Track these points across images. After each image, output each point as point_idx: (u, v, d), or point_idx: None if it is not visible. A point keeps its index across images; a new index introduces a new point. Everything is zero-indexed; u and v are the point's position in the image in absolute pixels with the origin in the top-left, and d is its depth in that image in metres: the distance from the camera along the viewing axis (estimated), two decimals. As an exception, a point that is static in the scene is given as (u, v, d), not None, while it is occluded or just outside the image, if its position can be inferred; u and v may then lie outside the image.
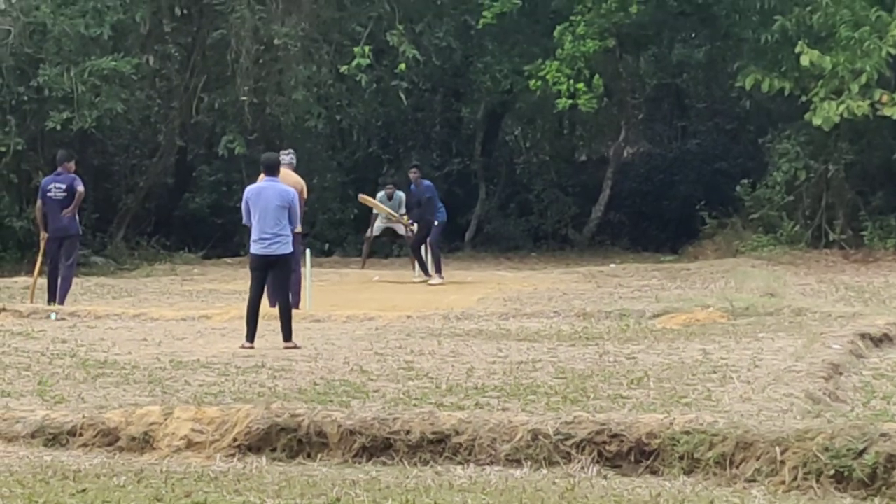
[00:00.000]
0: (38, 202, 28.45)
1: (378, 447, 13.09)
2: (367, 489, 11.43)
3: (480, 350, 20.13)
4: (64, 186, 27.47)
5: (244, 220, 21.47)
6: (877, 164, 43.14)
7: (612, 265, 39.94)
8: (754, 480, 11.83)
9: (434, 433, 13.05)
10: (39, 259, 28.76)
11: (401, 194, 37.85)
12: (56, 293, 27.57)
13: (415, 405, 14.52)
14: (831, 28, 39.37)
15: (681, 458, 12.21)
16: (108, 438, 13.69)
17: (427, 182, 37.23)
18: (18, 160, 42.49)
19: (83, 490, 11.09)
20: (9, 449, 13.53)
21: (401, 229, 38.92)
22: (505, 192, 50.11)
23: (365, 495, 11.07)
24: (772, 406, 14.40)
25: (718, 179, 48.31)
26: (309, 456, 13.04)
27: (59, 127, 41.37)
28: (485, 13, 41.72)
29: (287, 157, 24.97)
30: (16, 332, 23.86)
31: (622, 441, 12.53)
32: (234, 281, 34.14)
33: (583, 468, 12.18)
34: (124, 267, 40.98)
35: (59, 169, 28.33)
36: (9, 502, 10.63)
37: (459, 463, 12.58)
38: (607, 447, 12.47)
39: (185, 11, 44.11)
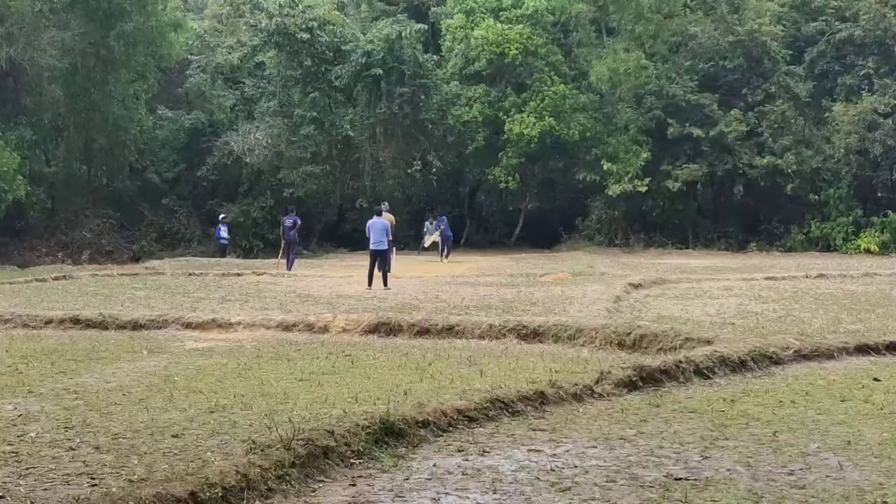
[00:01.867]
0: (282, 228, 32.24)
1: (423, 331, 15.23)
2: (417, 348, 14.31)
3: (467, 290, 21.73)
4: (291, 222, 31.39)
5: (367, 235, 24.41)
6: (628, 212, 42.02)
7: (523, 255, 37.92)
8: (583, 345, 14.11)
9: (446, 325, 15.42)
10: (280, 252, 31.51)
11: (436, 222, 37.42)
12: (288, 264, 30.85)
13: (440, 313, 16.57)
14: (616, 153, 39.79)
15: (553, 335, 14.70)
16: (296, 328, 15.75)
17: (443, 216, 37.90)
18: (270, 212, 41.54)
19: (297, 350, 14.15)
20: (241, 334, 15.61)
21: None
22: (476, 222, 47.94)
23: (417, 351, 13.93)
24: (592, 312, 16.78)
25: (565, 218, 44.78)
26: (394, 335, 15.20)
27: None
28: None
29: (384, 206, 28.13)
30: (268, 281, 25.73)
31: (528, 328, 15.01)
32: (363, 262, 33.95)
33: (508, 340, 14.77)
34: (318, 256, 39.15)
35: (290, 209, 32.85)
36: (268, 364, 13.68)
37: (458, 338, 14.87)
38: (522, 332, 14.89)
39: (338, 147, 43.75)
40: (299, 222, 32.62)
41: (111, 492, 6.62)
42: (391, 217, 25.61)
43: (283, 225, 32.19)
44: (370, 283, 22.93)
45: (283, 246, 31.43)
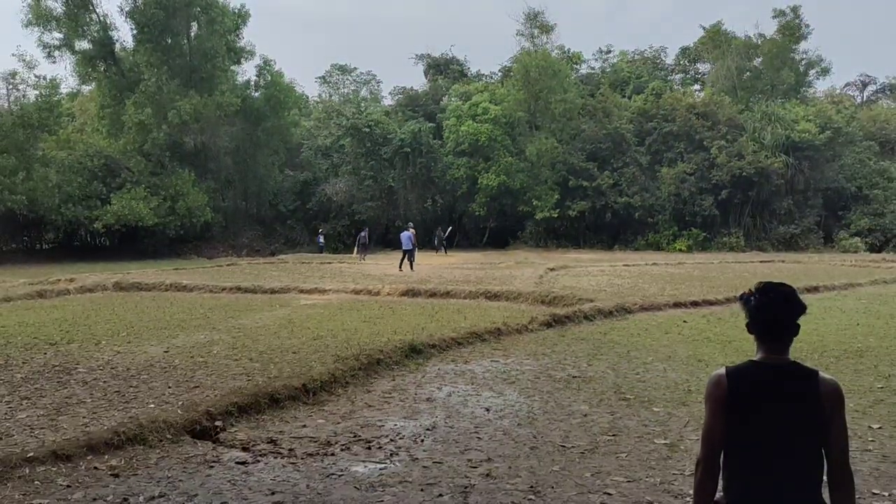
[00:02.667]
0: (357, 238, 31.37)
1: (433, 294, 14.90)
2: (429, 304, 13.77)
3: (456, 272, 19.81)
4: (363, 234, 30.80)
5: (400, 241, 23.38)
6: (547, 228, 40.10)
7: (488, 253, 37.67)
8: (522, 302, 13.49)
9: (445, 291, 14.96)
10: (355, 251, 30.91)
11: (440, 232, 36.37)
12: (362, 257, 29.51)
13: (442, 284, 15.71)
14: (540, 195, 38.66)
15: (505, 297, 14.30)
16: (362, 292, 15.29)
17: (441, 230, 36.91)
18: (347, 229, 39.77)
19: (362, 305, 13.56)
20: (331, 296, 15.08)
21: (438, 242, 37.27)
22: (462, 234, 43.90)
23: (429, 306, 13.50)
24: (526, 284, 15.98)
25: (512, 232, 41.42)
26: (416, 296, 14.84)
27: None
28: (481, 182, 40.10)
29: (410, 225, 26.29)
30: (346, 267, 22.95)
31: (491, 292, 14.61)
32: (397, 256, 31.29)
33: (480, 299, 14.33)
34: (374, 253, 35.60)
35: (362, 227, 32.07)
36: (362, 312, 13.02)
37: (452, 298, 14.52)
38: (488, 295, 14.44)
39: (385, 192, 41.48)
40: (366, 233, 31.97)
41: (258, 383, 6.67)
42: (414, 231, 25.24)
43: (358, 236, 31.47)
44: (401, 268, 22.26)
45: (356, 247, 30.52)
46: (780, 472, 2.06)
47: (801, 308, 2.17)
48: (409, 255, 22.93)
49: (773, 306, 2.15)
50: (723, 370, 2.17)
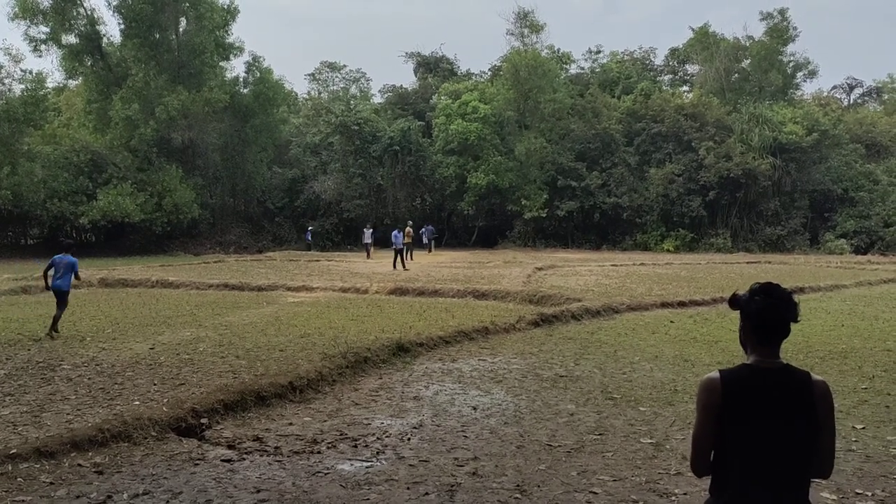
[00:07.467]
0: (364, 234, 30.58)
1: (421, 293, 14.96)
2: (417, 303, 13.78)
3: (444, 270, 20.06)
4: (369, 232, 30.25)
5: (394, 241, 23.19)
6: (536, 227, 40.40)
7: (476, 252, 38.08)
8: (510, 302, 13.57)
9: (434, 289, 15.06)
10: (365, 249, 31.02)
11: (431, 228, 36.01)
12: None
13: (430, 283, 15.90)
14: (529, 195, 38.77)
15: (493, 296, 14.26)
16: (349, 290, 15.32)
17: (431, 227, 36.45)
18: (336, 226, 40.50)
19: (350, 303, 13.57)
20: (318, 294, 15.14)
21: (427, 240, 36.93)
22: (450, 232, 44.79)
23: (417, 304, 13.47)
24: (514, 283, 16.20)
25: (500, 231, 41.99)
26: (404, 294, 14.92)
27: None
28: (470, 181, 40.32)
29: (409, 223, 26.45)
30: (333, 264, 23.19)
31: (479, 291, 14.58)
32: (388, 255, 32.17)
33: (468, 298, 14.38)
34: (361, 251, 36.40)
35: (370, 224, 31.13)
36: (345, 310, 12.95)
37: (440, 297, 14.60)
38: (476, 293, 14.46)
39: (374, 190, 41.56)
40: (373, 231, 30.56)
41: (245, 381, 6.64)
42: (410, 231, 25.10)
43: (364, 232, 30.66)
44: (394, 265, 22.14)
45: (366, 246, 29.82)
46: (773, 477, 2.05)
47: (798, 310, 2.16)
48: (399, 253, 22.81)
49: (778, 308, 2.10)
50: (716, 374, 2.11)
